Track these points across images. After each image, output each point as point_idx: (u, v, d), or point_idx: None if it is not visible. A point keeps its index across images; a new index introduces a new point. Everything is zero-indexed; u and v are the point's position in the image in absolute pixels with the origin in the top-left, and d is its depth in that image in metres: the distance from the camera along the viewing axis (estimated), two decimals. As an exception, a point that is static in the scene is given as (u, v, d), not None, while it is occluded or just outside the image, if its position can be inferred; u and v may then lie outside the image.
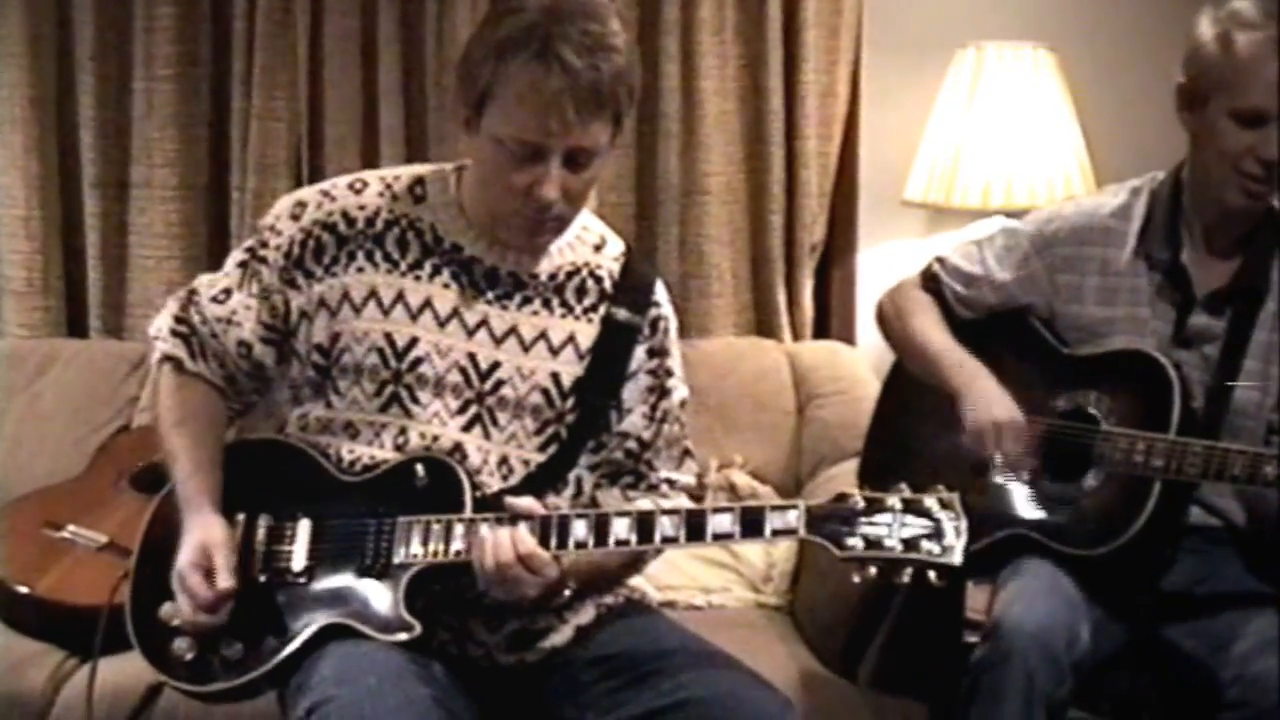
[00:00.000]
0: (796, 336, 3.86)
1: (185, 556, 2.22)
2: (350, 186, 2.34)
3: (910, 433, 2.87)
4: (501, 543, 2.12)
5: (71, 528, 3.06)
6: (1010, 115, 3.57)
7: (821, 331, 3.91)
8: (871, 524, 2.07)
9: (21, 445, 3.52)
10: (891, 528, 2.07)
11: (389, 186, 2.33)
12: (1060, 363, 2.72)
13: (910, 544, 2.05)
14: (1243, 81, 2.53)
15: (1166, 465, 2.53)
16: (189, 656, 2.24)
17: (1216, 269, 2.66)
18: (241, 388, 2.38)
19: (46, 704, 2.80)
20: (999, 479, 2.68)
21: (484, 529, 2.15)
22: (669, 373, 2.39)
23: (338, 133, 3.78)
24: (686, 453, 2.46)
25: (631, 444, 2.37)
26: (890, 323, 2.92)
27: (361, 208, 2.30)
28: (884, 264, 3.77)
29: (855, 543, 2.07)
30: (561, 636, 2.33)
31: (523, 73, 2.10)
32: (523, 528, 2.14)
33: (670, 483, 2.41)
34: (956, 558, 2.05)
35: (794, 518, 2.11)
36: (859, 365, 3.65)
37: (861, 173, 3.86)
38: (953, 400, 2.70)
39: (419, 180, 2.35)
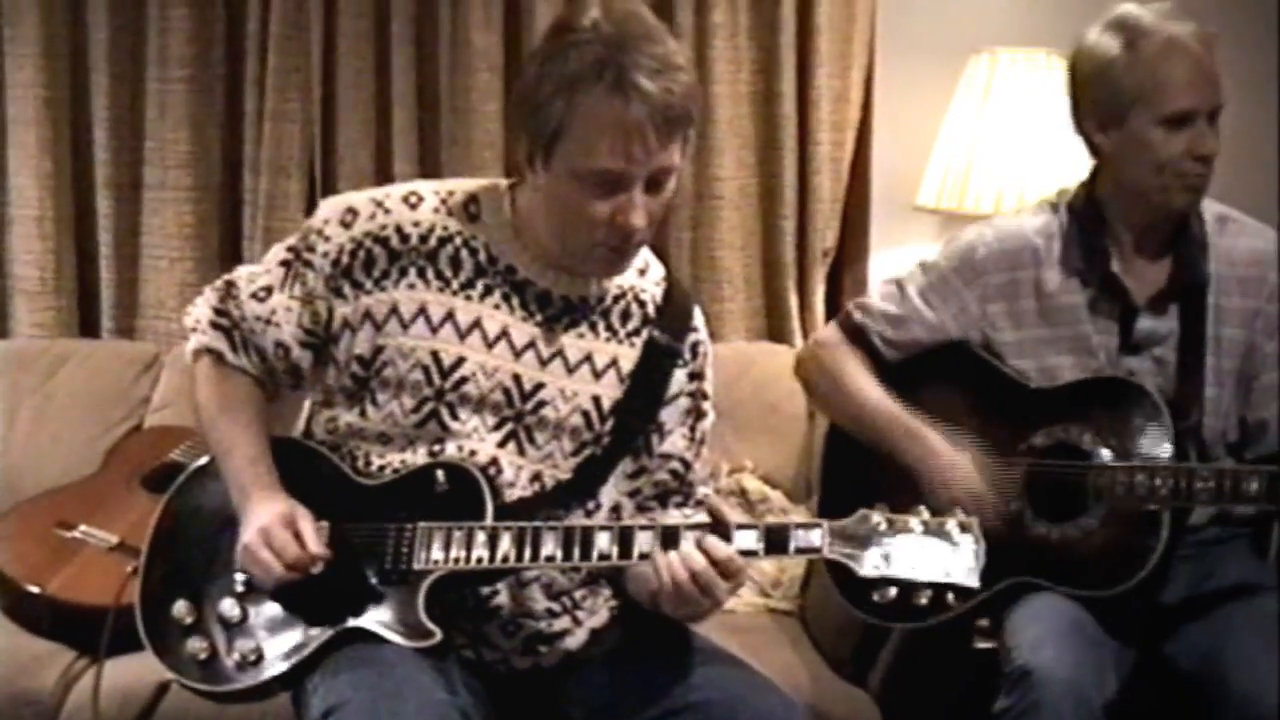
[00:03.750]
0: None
1: (265, 520, 2.19)
2: (405, 200, 2.29)
3: (868, 470, 2.75)
4: (690, 553, 2.11)
5: (83, 528, 3.07)
6: (1023, 121, 3.57)
7: (833, 336, 3.91)
8: (892, 545, 2.07)
9: (33, 445, 3.53)
10: (912, 549, 2.07)
11: (444, 202, 2.29)
12: (1027, 398, 2.65)
13: (930, 566, 2.06)
14: (1163, 88, 2.51)
15: (1175, 494, 2.49)
16: (203, 656, 2.24)
17: (1149, 271, 2.65)
18: (279, 382, 2.37)
19: (57, 704, 2.81)
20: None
21: (658, 552, 2.12)
22: (705, 396, 2.40)
23: (351, 134, 3.78)
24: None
25: (675, 465, 2.38)
26: (816, 385, 2.84)
27: (416, 224, 2.27)
28: (895, 269, 3.75)
29: (876, 563, 2.07)
30: (575, 639, 2.33)
31: (600, 105, 2.08)
32: (709, 535, 2.12)
33: (706, 496, 2.42)
34: (975, 581, 2.06)
35: (818, 536, 2.11)
36: (870, 370, 3.65)
37: (874, 178, 3.87)
38: (899, 465, 2.65)
39: (473, 198, 2.31)
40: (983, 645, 2.87)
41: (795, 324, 3.85)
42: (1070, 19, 3.81)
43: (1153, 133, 2.54)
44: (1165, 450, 2.52)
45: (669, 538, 2.13)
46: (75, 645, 2.89)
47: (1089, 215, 2.66)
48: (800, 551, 2.12)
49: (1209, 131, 2.54)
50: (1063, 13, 3.84)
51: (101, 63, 3.78)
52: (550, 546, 2.15)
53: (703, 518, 2.35)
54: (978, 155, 3.59)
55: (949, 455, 2.62)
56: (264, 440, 2.32)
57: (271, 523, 2.19)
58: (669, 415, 2.35)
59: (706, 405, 2.41)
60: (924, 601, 2.07)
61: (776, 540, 2.12)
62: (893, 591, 2.07)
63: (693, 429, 2.39)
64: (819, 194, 3.82)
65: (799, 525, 2.14)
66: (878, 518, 2.10)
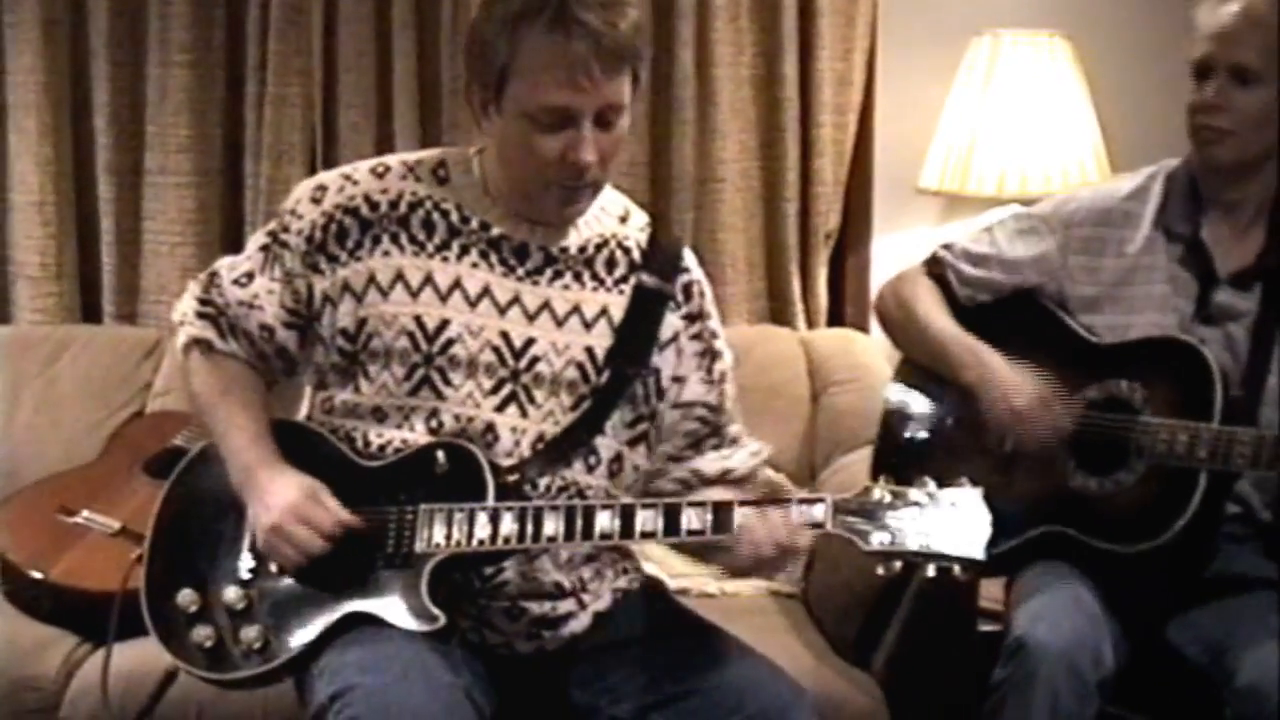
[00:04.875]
0: (811, 324, 3.86)
1: (291, 497, 2.19)
2: (372, 170, 2.32)
3: (923, 426, 2.83)
4: (777, 524, 2.12)
5: (85, 513, 3.07)
6: (1026, 103, 3.57)
7: (836, 319, 3.91)
8: (897, 518, 2.06)
9: (35, 431, 3.53)
10: (917, 522, 2.06)
11: (411, 169, 2.32)
12: (1088, 351, 2.67)
13: (936, 539, 2.05)
14: (1194, 33, 2.57)
15: (1213, 456, 2.49)
16: (208, 644, 2.24)
17: (1237, 246, 2.65)
18: (271, 366, 2.37)
19: (59, 689, 2.81)
20: (1026, 472, 2.64)
21: (741, 516, 2.13)
22: (714, 335, 2.39)
23: (352, 118, 3.77)
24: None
25: (700, 411, 2.36)
26: (891, 313, 2.88)
27: (384, 191, 2.29)
28: (899, 252, 3.75)
29: (881, 537, 2.06)
30: (579, 624, 2.33)
31: (542, 41, 2.10)
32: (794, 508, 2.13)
33: (740, 434, 2.42)
34: (980, 552, 2.05)
35: (821, 511, 2.10)
36: (873, 353, 3.65)
37: (876, 160, 3.86)
38: (966, 392, 2.68)
39: (441, 162, 2.33)
40: (987, 628, 2.87)
41: (798, 307, 3.85)
42: (1071, 0, 3.84)
43: (1188, 79, 2.60)
44: (1211, 415, 2.52)
45: (671, 516, 2.12)
46: (78, 631, 2.89)
47: (1188, 179, 2.68)
48: (804, 527, 2.11)
49: (1222, 86, 2.56)
50: (1065, -6, 3.86)
51: (102, 48, 3.77)
52: (552, 526, 2.15)
53: (729, 465, 2.36)
54: (980, 137, 3.59)
55: (1011, 373, 2.65)
56: (264, 420, 2.31)
57: (299, 499, 2.19)
58: (681, 364, 2.34)
59: (719, 344, 2.39)
60: (930, 574, 2.06)
61: None
62: (898, 565, 2.07)
63: (710, 370, 2.37)
64: (821, 177, 3.81)
65: (802, 500, 2.13)
66: (880, 491, 2.09)
